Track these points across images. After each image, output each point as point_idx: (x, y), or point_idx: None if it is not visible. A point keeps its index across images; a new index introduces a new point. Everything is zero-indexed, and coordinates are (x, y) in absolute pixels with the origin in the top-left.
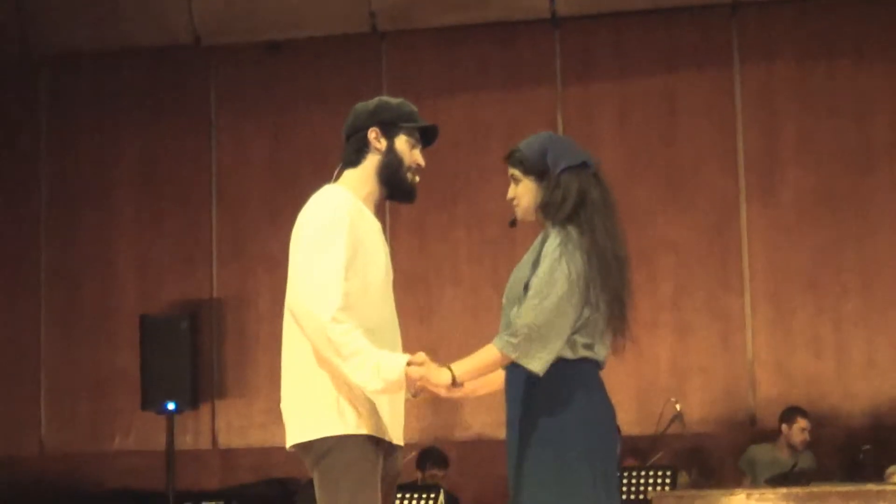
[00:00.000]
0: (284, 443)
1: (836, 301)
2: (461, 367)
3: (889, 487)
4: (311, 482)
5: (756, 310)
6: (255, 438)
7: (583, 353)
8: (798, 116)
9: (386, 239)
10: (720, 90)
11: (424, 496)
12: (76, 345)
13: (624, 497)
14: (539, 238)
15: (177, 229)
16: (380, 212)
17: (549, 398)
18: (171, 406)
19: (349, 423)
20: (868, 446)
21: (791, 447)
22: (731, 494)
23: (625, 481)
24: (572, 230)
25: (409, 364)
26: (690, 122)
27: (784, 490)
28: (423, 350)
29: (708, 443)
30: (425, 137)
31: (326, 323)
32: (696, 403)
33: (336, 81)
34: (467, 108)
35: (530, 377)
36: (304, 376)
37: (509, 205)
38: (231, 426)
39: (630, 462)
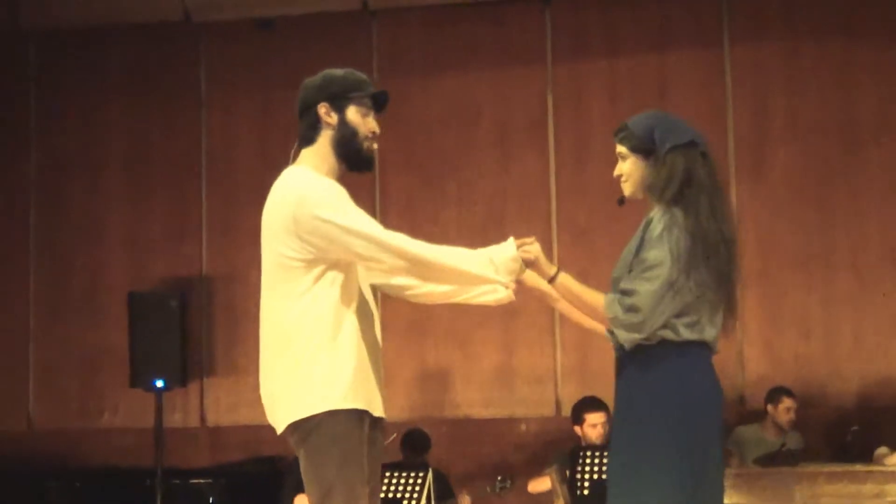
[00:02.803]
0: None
1: (826, 281)
2: (567, 277)
3: (877, 468)
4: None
5: (745, 289)
6: (245, 416)
7: (686, 334)
8: (788, 96)
9: (375, 217)
10: (710, 69)
11: (413, 475)
12: (65, 322)
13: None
14: (644, 221)
15: (166, 206)
16: (369, 191)
17: (650, 379)
18: (159, 383)
19: (334, 399)
20: (856, 427)
21: (778, 427)
22: None
23: None
24: (677, 212)
25: (518, 248)
26: (680, 101)
27: (772, 470)
28: (408, 329)
29: None
30: (377, 104)
31: (409, 249)
32: None
33: (326, 59)
34: (457, 86)
35: (637, 360)
36: (283, 357)
37: (498, 181)
38: (220, 404)
39: None
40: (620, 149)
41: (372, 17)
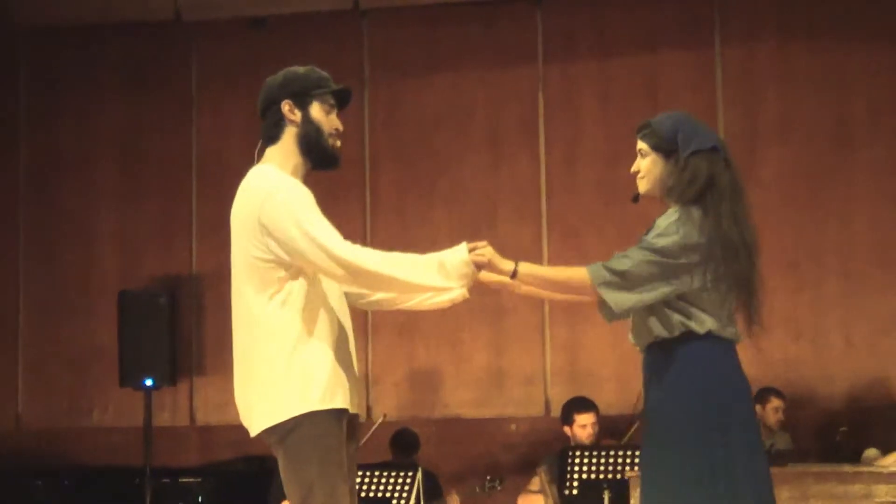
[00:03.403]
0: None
1: (816, 282)
2: (528, 266)
3: (865, 469)
4: None
5: None
6: (234, 415)
7: (710, 325)
8: (779, 96)
9: (366, 217)
10: (701, 70)
11: (402, 475)
12: (54, 320)
13: (601, 476)
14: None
15: (157, 205)
16: (360, 190)
17: (680, 375)
18: (149, 382)
19: (312, 400)
20: (845, 428)
21: (766, 428)
22: None
23: (602, 460)
24: (694, 210)
25: (470, 251)
26: (672, 101)
27: None
28: (398, 329)
29: None
30: (340, 101)
31: (352, 259)
32: None
33: (317, 58)
34: (448, 86)
35: (664, 354)
36: (258, 360)
37: (489, 181)
38: (209, 403)
39: (607, 441)
40: (641, 145)
41: (363, 17)
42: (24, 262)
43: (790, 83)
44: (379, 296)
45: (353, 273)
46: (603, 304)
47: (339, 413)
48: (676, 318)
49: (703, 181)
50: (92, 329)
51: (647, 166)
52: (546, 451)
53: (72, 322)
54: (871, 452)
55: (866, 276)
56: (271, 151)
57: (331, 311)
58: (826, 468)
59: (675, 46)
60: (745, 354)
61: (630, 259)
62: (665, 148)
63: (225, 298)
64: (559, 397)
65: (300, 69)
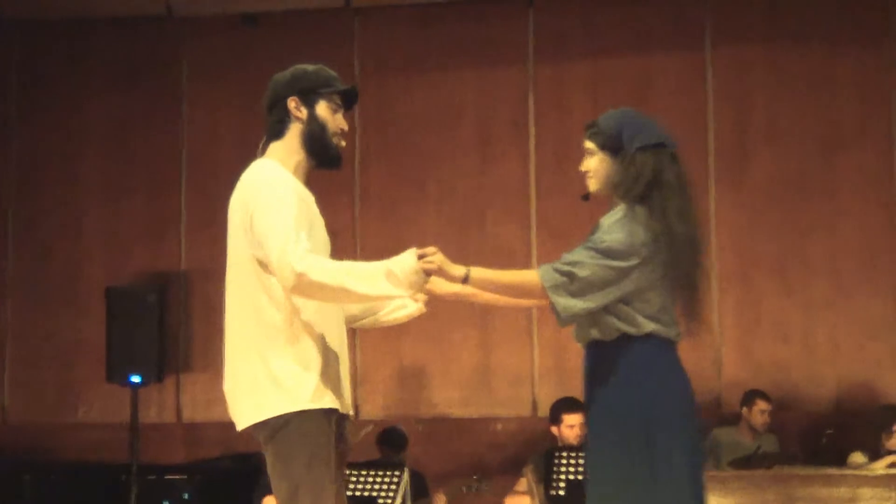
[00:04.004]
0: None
1: (804, 285)
2: (480, 271)
3: (850, 472)
4: None
5: (723, 293)
6: (220, 413)
7: (649, 327)
8: (768, 100)
9: (355, 216)
10: (692, 72)
11: (389, 473)
12: (42, 315)
13: (584, 477)
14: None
15: (146, 201)
16: (349, 190)
17: (616, 376)
18: (136, 379)
19: (303, 399)
20: (831, 431)
21: (753, 430)
22: None
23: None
24: (639, 209)
25: (419, 258)
26: (661, 103)
27: (746, 473)
28: (386, 328)
29: None
30: (347, 101)
31: (301, 269)
32: None
33: (308, 56)
34: (439, 85)
35: (602, 355)
36: (251, 355)
37: (479, 181)
38: (196, 400)
39: None
40: (589, 145)
41: (355, 15)
42: (13, 256)
43: (780, 87)
44: (352, 311)
45: (301, 284)
46: (553, 308)
47: (329, 412)
48: (614, 322)
49: (649, 177)
50: (79, 325)
51: (594, 165)
52: (533, 450)
53: (59, 318)
54: (857, 458)
55: (854, 280)
56: (275, 146)
57: (325, 310)
58: (811, 471)
59: (666, 49)
60: (733, 356)
61: (581, 264)
62: (611, 146)
63: (213, 295)
64: (546, 397)
65: (309, 67)
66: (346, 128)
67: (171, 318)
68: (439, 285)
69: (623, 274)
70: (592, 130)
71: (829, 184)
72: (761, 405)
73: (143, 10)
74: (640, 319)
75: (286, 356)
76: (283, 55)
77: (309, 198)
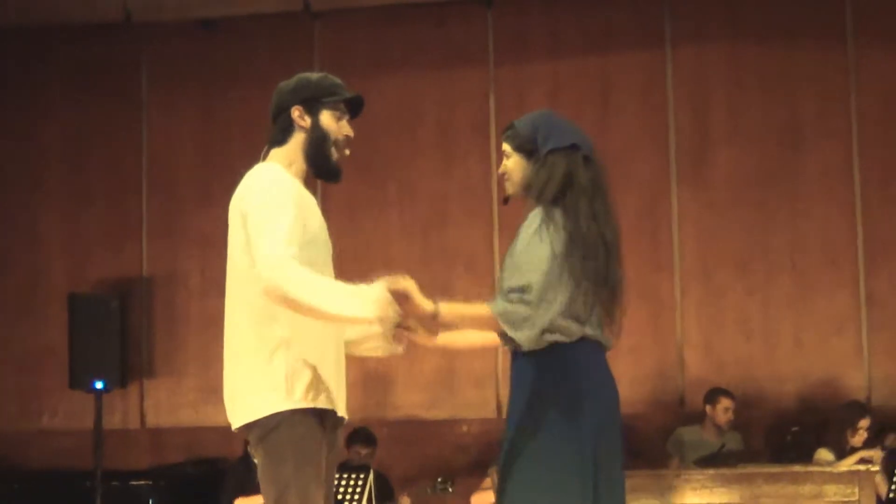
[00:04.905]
0: (214, 422)
1: (766, 282)
2: (448, 306)
3: (816, 468)
4: (240, 461)
5: (686, 291)
6: (185, 418)
7: (579, 332)
8: (729, 98)
9: None
10: (652, 71)
11: (354, 475)
12: (3, 322)
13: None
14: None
15: (106, 207)
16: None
17: (543, 383)
18: (99, 385)
19: (296, 398)
20: (796, 428)
21: (717, 428)
22: (660, 475)
23: None
24: (555, 212)
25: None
26: (623, 103)
27: (711, 471)
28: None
29: (636, 423)
30: (353, 108)
31: (278, 281)
32: (625, 384)
33: (268, 60)
34: (399, 87)
35: (529, 362)
36: (247, 353)
37: (440, 183)
38: (160, 405)
39: None
40: (505, 147)
41: (314, 19)
42: None
43: (740, 85)
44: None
45: (271, 291)
46: (511, 341)
47: (323, 413)
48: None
49: (560, 179)
50: (41, 332)
51: (510, 167)
52: (498, 452)
53: (21, 325)
54: (824, 455)
55: (816, 277)
56: (277, 152)
57: None
58: (777, 468)
59: (627, 48)
60: (696, 355)
61: (525, 290)
62: (526, 148)
63: (175, 301)
64: None
65: (313, 75)
66: (351, 135)
67: (133, 324)
68: (421, 336)
69: (556, 284)
70: (509, 133)
71: (790, 181)
72: (725, 403)
73: (102, 16)
74: (571, 326)
75: (282, 358)
76: (243, 61)
77: (310, 200)
